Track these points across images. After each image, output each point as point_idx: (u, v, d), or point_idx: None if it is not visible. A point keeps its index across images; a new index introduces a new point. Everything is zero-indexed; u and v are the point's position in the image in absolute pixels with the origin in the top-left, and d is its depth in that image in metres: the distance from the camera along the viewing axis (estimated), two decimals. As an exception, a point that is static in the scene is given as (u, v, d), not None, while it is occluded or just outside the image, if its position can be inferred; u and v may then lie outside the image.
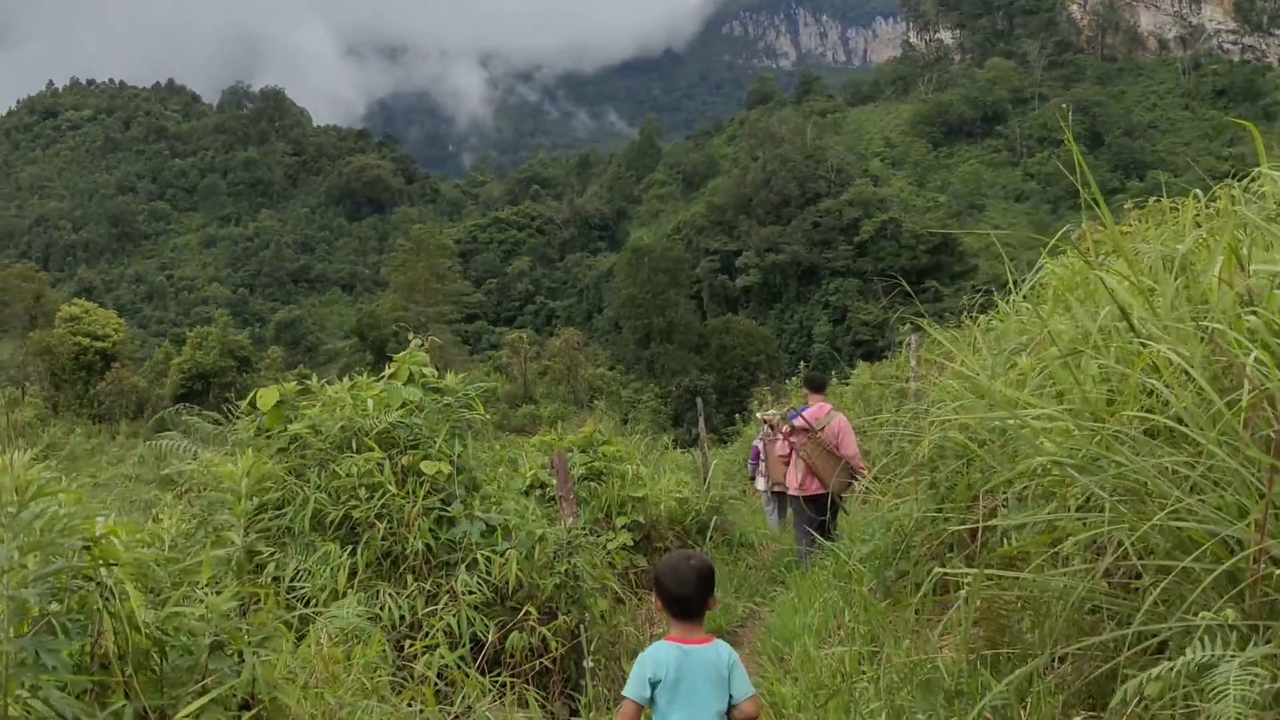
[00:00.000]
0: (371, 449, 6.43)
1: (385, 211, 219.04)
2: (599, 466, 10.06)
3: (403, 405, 6.89)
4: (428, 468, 6.38)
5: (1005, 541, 5.04)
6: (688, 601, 4.03)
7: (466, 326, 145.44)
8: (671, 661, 3.95)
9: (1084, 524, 3.80)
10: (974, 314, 10.78)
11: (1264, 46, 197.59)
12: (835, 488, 9.95)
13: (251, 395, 6.94)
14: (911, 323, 17.88)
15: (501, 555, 6.18)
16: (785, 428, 10.84)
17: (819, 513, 10.04)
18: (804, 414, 10.65)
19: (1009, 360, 7.19)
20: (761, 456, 15.56)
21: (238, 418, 7.23)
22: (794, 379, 24.71)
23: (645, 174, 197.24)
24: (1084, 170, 4.24)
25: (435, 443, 6.58)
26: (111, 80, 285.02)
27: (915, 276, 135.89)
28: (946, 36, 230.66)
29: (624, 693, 4.04)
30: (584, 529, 7.30)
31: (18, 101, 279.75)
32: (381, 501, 6.20)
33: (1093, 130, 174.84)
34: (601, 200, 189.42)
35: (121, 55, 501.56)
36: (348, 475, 6.25)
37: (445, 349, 76.28)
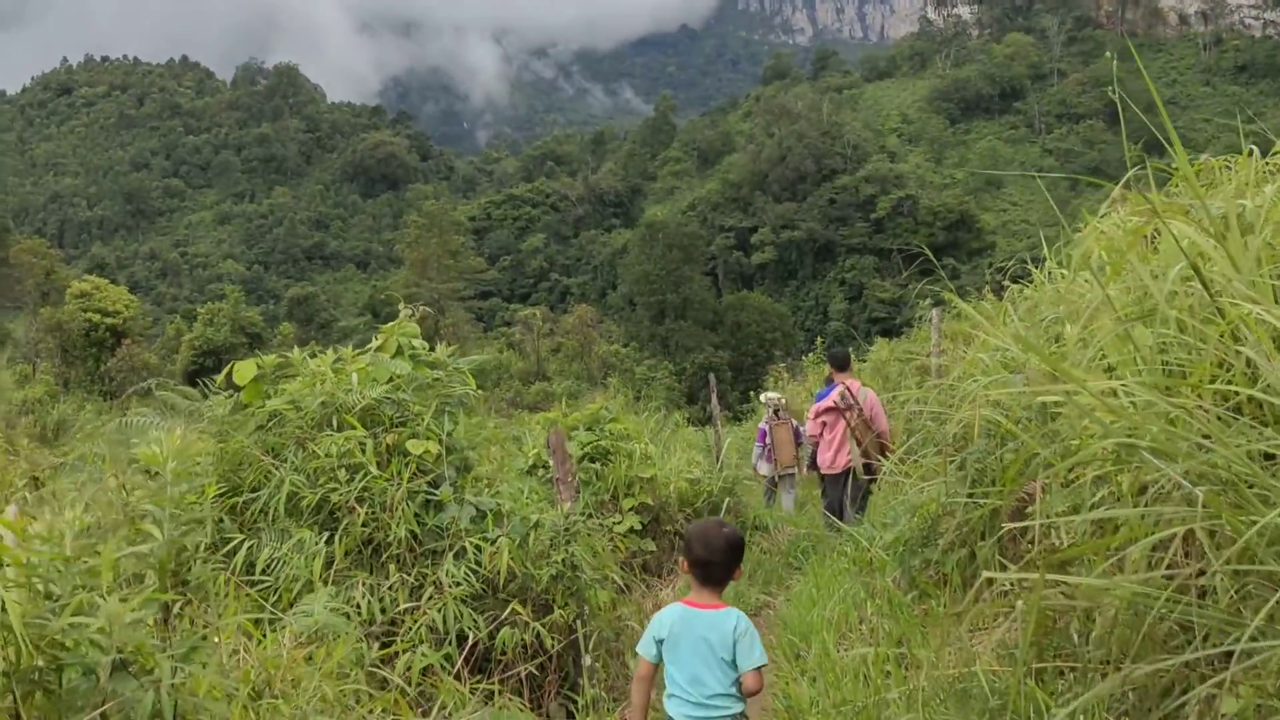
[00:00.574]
0: (354, 427, 5.90)
1: (400, 188, 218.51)
2: (605, 445, 9.51)
3: (390, 380, 6.37)
4: (414, 447, 5.86)
5: (1050, 534, 4.52)
6: (711, 567, 4.11)
7: (481, 304, 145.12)
8: (674, 622, 4.07)
9: (1147, 518, 3.26)
10: (1002, 285, 10.43)
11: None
12: (874, 459, 10.16)
13: (228, 369, 6.42)
14: (932, 298, 17.37)
15: (492, 543, 5.65)
16: (821, 405, 10.76)
17: (860, 485, 10.36)
18: (849, 388, 10.63)
19: (1048, 330, 6.67)
20: (768, 440, 15.09)
21: (215, 393, 6.70)
22: (810, 355, 24.16)
23: (660, 151, 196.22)
24: (1162, 113, 3.68)
25: (423, 420, 6.06)
26: (126, 57, 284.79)
27: (932, 254, 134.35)
28: (964, 11, 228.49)
29: (636, 648, 4.23)
30: (585, 513, 6.76)
31: (32, 78, 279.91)
32: (362, 484, 5.68)
33: (1111, 106, 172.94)
34: (616, 177, 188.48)
35: (136, 31, 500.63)
36: (326, 455, 5.72)
37: (458, 325, 75.85)
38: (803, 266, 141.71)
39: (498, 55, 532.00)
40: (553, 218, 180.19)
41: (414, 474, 5.86)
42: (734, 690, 3.95)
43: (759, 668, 3.96)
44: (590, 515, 7.29)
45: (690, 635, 3.98)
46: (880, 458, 10.05)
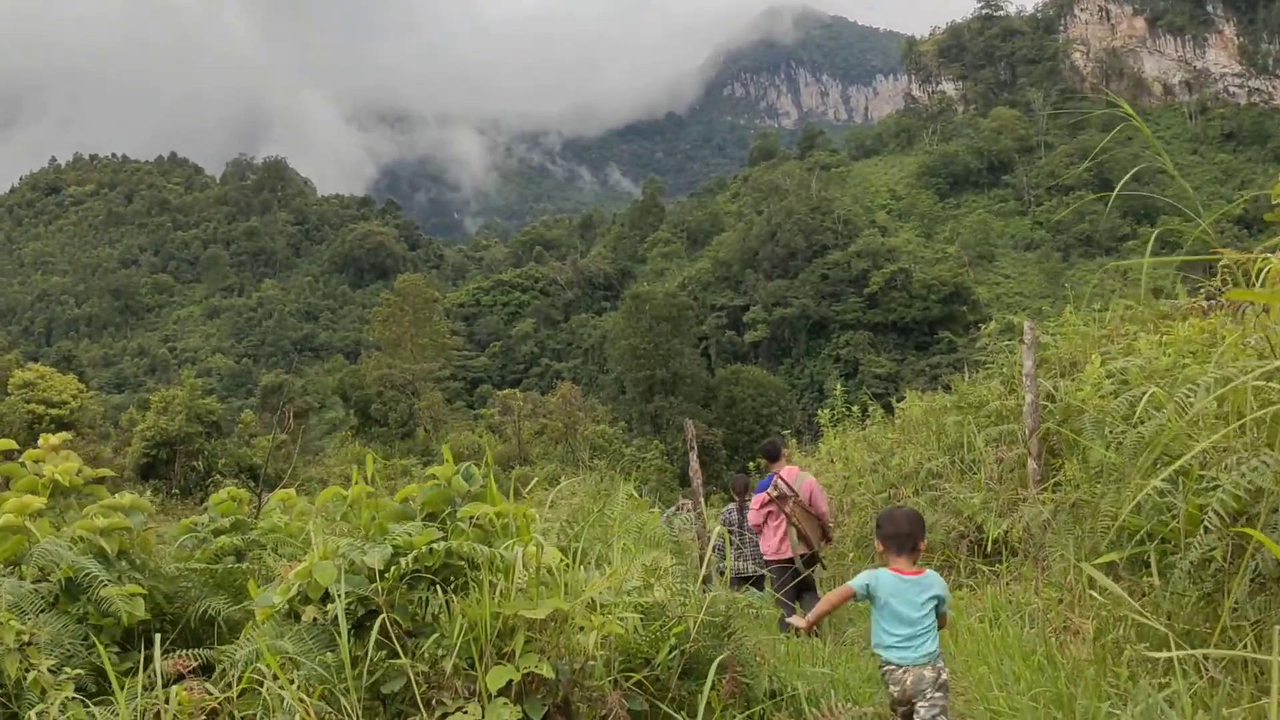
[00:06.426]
0: None
1: (389, 278, 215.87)
2: (459, 550, 4.68)
3: None
4: None
5: None
6: (901, 538, 5.05)
7: (470, 390, 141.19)
8: (889, 584, 4.96)
9: None
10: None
11: (1271, 89, 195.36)
12: (817, 546, 10.38)
13: None
14: (929, 372, 13.80)
15: None
16: (760, 497, 10.70)
17: (806, 568, 10.32)
18: (782, 477, 10.49)
19: None
20: None
21: None
22: (825, 413, 19.66)
23: (649, 233, 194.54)
24: None
25: None
26: (114, 155, 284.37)
27: (927, 327, 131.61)
28: (949, 88, 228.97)
29: (849, 582, 5.08)
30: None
31: (20, 179, 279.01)
32: None
33: (1101, 177, 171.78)
34: (605, 260, 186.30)
35: (130, 132, 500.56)
36: None
37: (435, 408, 71.26)
38: (796, 344, 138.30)
39: (486, 145, 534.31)
40: (543, 303, 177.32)
41: None
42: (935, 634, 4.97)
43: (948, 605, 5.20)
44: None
45: (905, 597, 4.91)
46: (825, 537, 10.56)
